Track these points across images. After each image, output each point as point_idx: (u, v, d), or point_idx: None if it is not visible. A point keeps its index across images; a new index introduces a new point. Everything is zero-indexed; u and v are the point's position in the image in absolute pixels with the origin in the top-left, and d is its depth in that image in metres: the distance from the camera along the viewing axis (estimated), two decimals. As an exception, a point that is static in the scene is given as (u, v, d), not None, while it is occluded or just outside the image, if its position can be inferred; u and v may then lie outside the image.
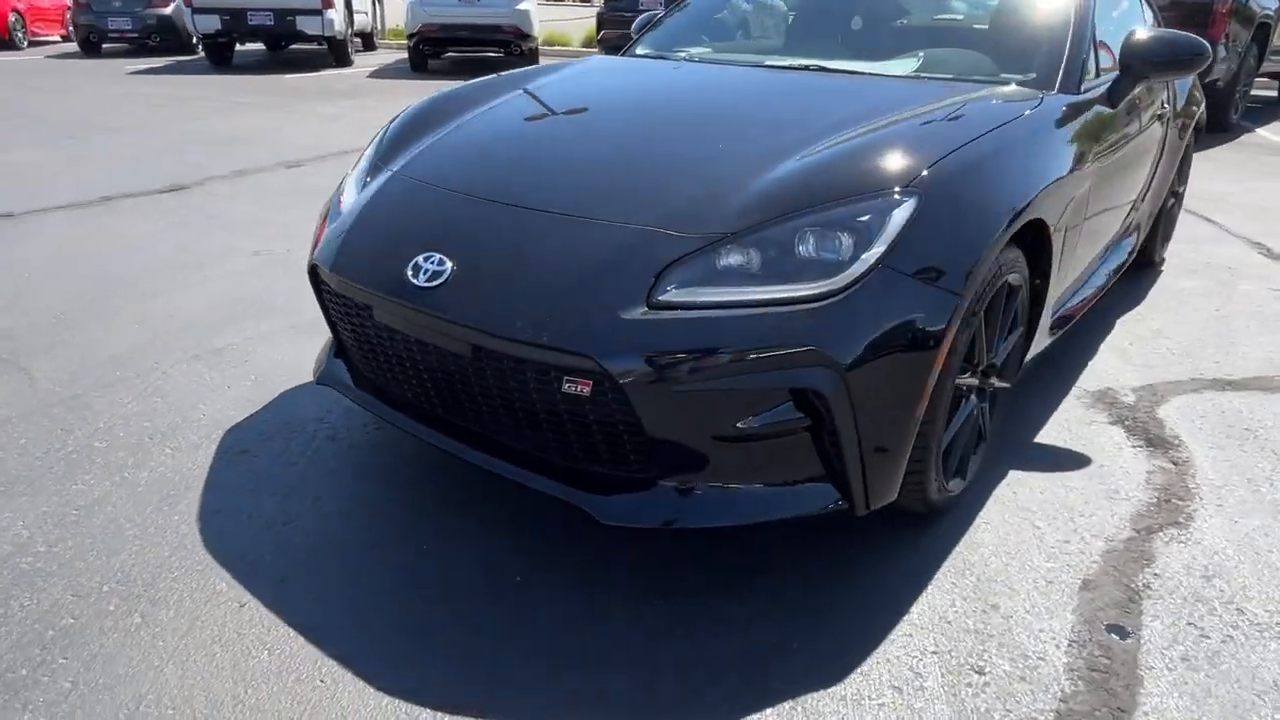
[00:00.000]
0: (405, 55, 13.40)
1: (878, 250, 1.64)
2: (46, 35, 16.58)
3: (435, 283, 1.77)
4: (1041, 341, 2.44)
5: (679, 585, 1.85)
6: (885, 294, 1.62)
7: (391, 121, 2.53)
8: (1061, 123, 2.25)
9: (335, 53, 12.89)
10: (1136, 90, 2.60)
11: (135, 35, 14.45)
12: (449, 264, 1.79)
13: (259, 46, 15.06)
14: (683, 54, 3.09)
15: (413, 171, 2.14)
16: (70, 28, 14.85)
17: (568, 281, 1.67)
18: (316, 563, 1.90)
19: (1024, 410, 2.65)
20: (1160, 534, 2.06)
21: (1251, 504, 2.19)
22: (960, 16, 2.96)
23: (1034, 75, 2.45)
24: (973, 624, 1.76)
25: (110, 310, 3.30)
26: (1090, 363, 3.01)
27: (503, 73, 2.84)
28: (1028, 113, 2.14)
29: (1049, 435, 2.51)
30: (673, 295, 1.62)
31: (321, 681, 1.58)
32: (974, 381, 2.02)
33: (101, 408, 2.54)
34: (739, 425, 1.62)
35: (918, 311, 1.65)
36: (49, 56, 14.17)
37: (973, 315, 1.79)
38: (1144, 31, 2.56)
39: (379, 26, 17.24)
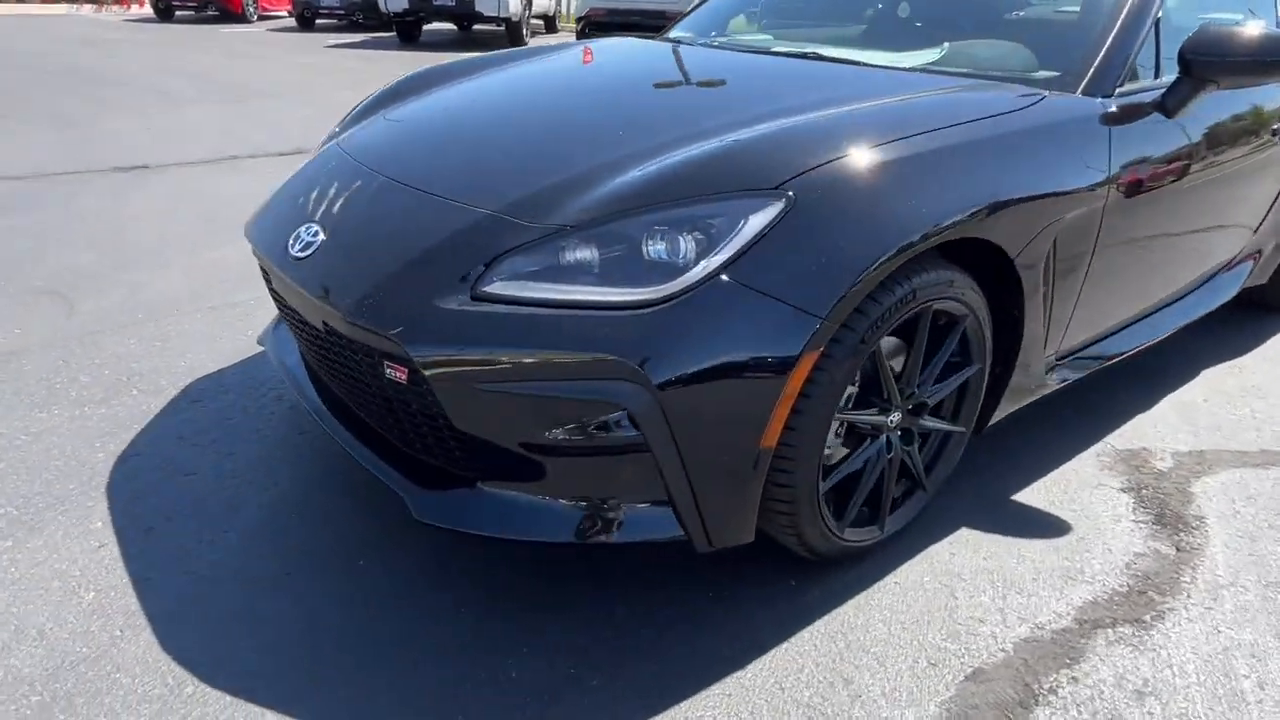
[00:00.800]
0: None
1: (720, 258, 1.44)
2: (275, 10, 18.35)
3: (305, 253, 1.75)
4: (1032, 385, 2.09)
5: (514, 598, 1.74)
6: (721, 308, 1.42)
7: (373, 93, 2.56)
8: (1066, 130, 1.89)
9: (510, 33, 13.41)
10: (1198, 98, 2.15)
11: (342, 12, 15.77)
12: (320, 236, 1.77)
13: (450, 26, 15.95)
14: (693, 38, 2.91)
15: (346, 144, 2.14)
16: (293, 3, 16.38)
17: (401, 263, 1.59)
18: (190, 516, 1.94)
19: (1019, 461, 2.29)
20: (1108, 631, 1.71)
21: (1254, 613, 1.77)
22: (1022, 8, 2.57)
23: (1058, 73, 2.09)
24: (808, 697, 1.53)
25: (171, 259, 3.57)
26: (1140, 416, 2.56)
27: (497, 51, 2.79)
28: (1005, 113, 1.81)
29: (1036, 494, 2.15)
30: (497, 287, 1.50)
31: (119, 633, 1.61)
32: (884, 419, 1.75)
33: (108, 346, 2.75)
34: (548, 435, 1.49)
35: (760, 332, 1.43)
36: (269, 30, 15.68)
37: (861, 344, 1.54)
38: (1220, 26, 2.12)
39: (564, 9, 17.76)
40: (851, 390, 1.71)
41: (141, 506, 1.97)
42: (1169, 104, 2.13)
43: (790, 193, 1.49)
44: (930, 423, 1.86)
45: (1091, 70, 2.06)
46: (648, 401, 1.41)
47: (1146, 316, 2.48)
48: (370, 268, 1.61)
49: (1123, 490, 2.19)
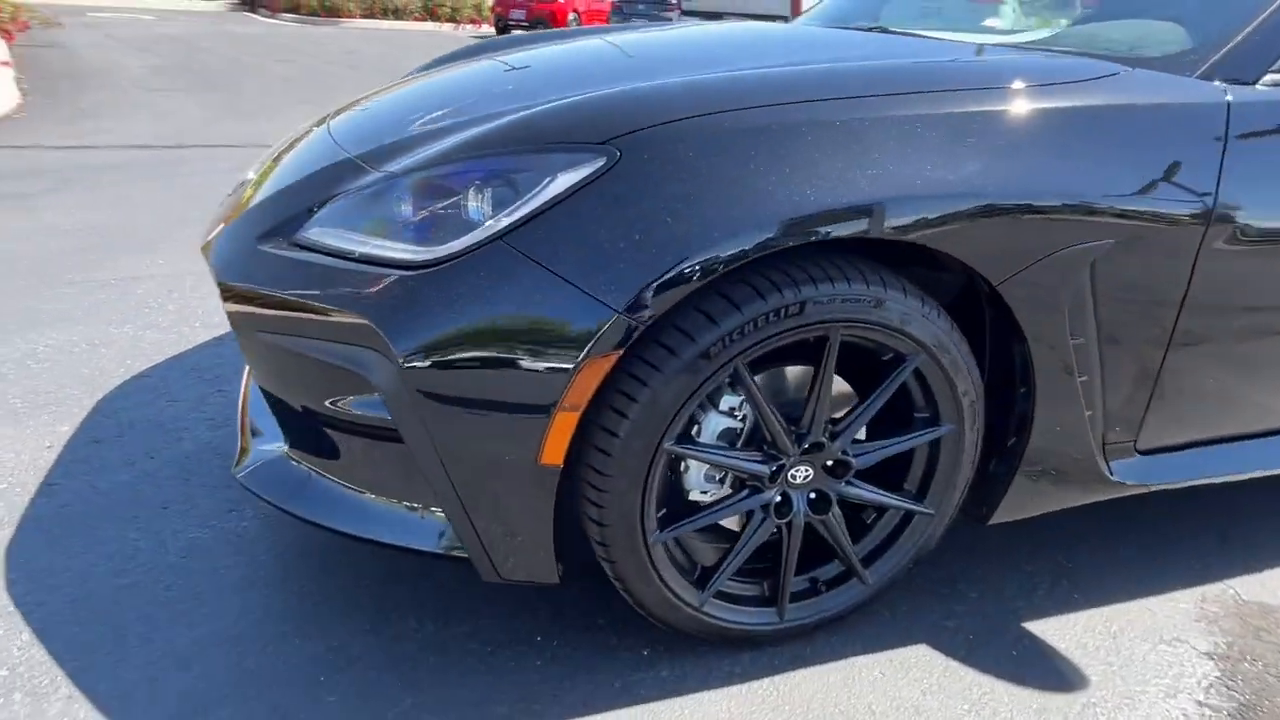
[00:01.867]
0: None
1: (507, 220, 1.16)
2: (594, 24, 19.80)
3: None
4: (1085, 478, 1.49)
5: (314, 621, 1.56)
6: (492, 280, 1.14)
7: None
8: (1139, 121, 1.32)
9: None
10: None
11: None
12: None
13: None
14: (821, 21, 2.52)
15: (332, 121, 2.08)
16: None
17: (261, 203, 1.49)
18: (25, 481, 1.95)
19: (1081, 577, 1.67)
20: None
21: None
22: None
23: (1179, 51, 1.48)
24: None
25: (198, 233, 3.58)
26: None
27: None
28: (1029, 87, 1.29)
29: (1070, 629, 1.54)
30: (314, 233, 1.34)
31: None
32: (764, 469, 1.32)
33: (89, 302, 2.77)
34: (327, 404, 1.30)
35: (535, 318, 1.13)
36: (585, 47, 16.90)
37: (704, 359, 1.17)
38: None
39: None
40: (737, 426, 1.33)
41: None
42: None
43: (616, 151, 1.17)
44: (861, 491, 1.40)
45: (1228, 46, 1.44)
46: (393, 379, 1.17)
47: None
48: (250, 210, 1.54)
49: (1209, 655, 1.50)
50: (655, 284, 1.11)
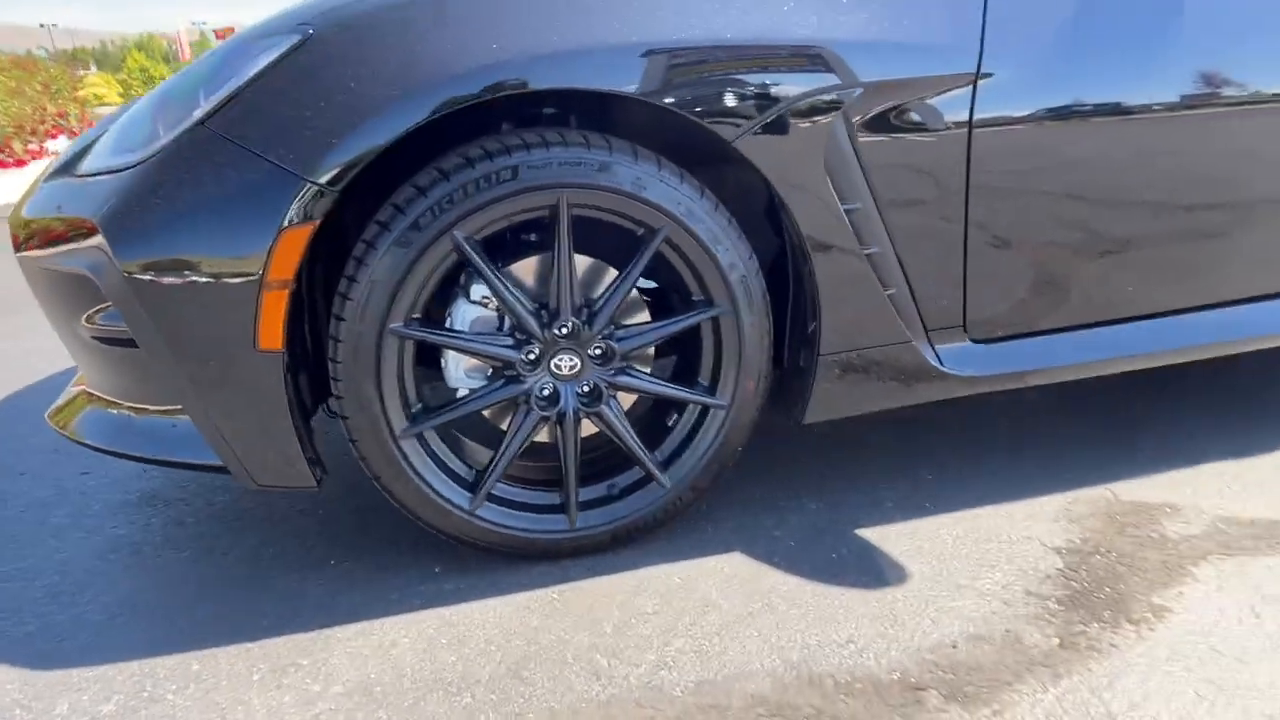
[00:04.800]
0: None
1: (207, 107, 1.16)
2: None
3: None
4: (905, 373, 1.38)
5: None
6: (193, 166, 1.13)
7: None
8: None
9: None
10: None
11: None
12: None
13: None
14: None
15: None
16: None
17: (63, 155, 1.54)
18: None
19: (952, 484, 1.54)
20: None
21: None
22: None
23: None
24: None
25: None
26: (1217, 458, 1.59)
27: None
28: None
29: (914, 534, 1.42)
30: (85, 164, 1.34)
31: None
32: (516, 355, 1.27)
33: None
34: (84, 322, 1.31)
35: (232, 196, 1.12)
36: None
37: (414, 230, 1.14)
38: None
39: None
40: (490, 314, 1.29)
41: None
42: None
43: (310, 29, 1.17)
44: (636, 380, 1.32)
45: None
46: (118, 279, 1.17)
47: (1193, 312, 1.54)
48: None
49: (1058, 550, 1.35)
50: (339, 149, 1.10)
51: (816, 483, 1.60)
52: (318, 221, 1.12)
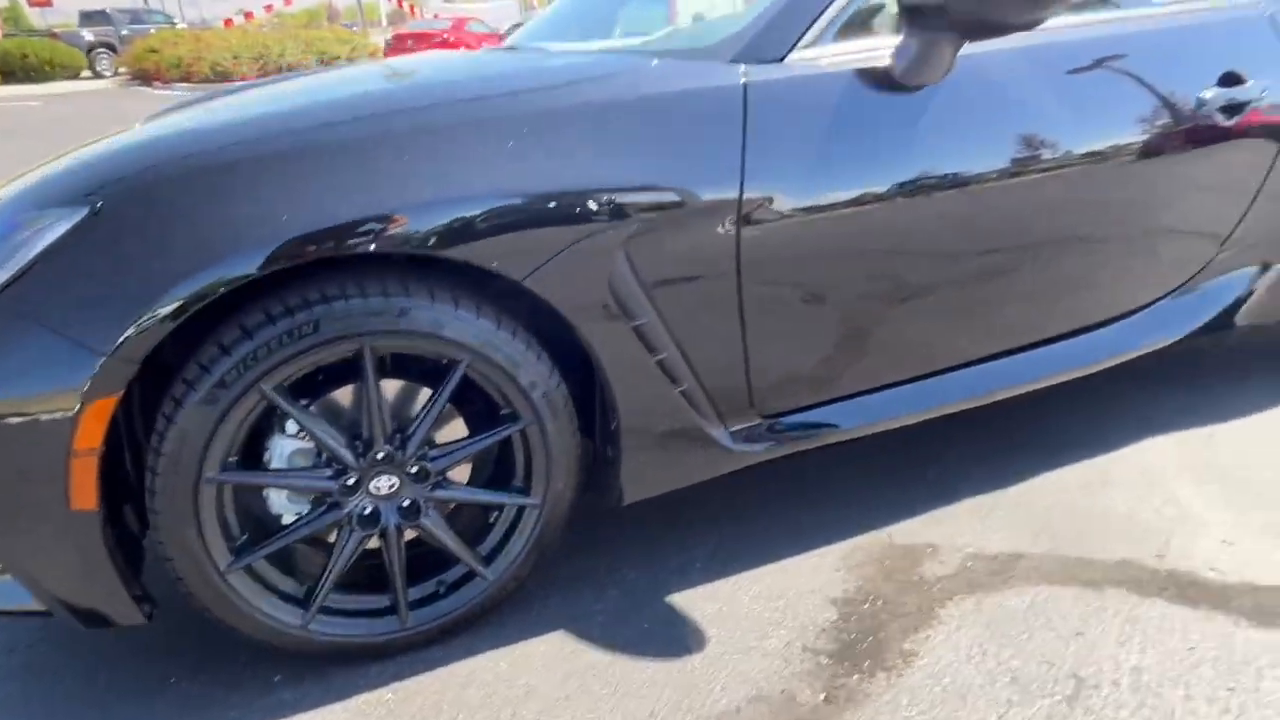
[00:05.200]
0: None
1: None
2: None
3: None
4: (703, 457, 1.57)
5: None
6: (-2, 338, 1.18)
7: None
8: (655, 104, 1.40)
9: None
10: (945, 55, 1.50)
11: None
12: None
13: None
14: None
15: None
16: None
17: None
18: None
19: (744, 541, 1.74)
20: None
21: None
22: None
23: (725, 37, 1.57)
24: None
25: None
26: (979, 493, 1.86)
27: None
28: (548, 87, 1.37)
29: (719, 599, 1.60)
30: None
31: None
32: (332, 485, 1.37)
33: None
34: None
35: (32, 370, 1.16)
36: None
37: (220, 388, 1.21)
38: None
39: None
40: (308, 446, 1.38)
41: None
42: (901, 67, 1.53)
43: (99, 202, 1.21)
44: (452, 492, 1.45)
45: (756, 28, 1.53)
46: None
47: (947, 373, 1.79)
48: None
49: (834, 602, 1.58)
50: (135, 324, 1.16)
51: (637, 550, 1.76)
52: (122, 391, 1.18)
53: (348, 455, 1.35)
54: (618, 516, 1.88)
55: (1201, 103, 1.83)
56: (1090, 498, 1.84)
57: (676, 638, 1.51)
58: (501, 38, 20.93)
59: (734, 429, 1.62)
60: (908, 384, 1.78)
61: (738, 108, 1.43)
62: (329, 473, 1.36)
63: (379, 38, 22.39)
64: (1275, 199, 2.00)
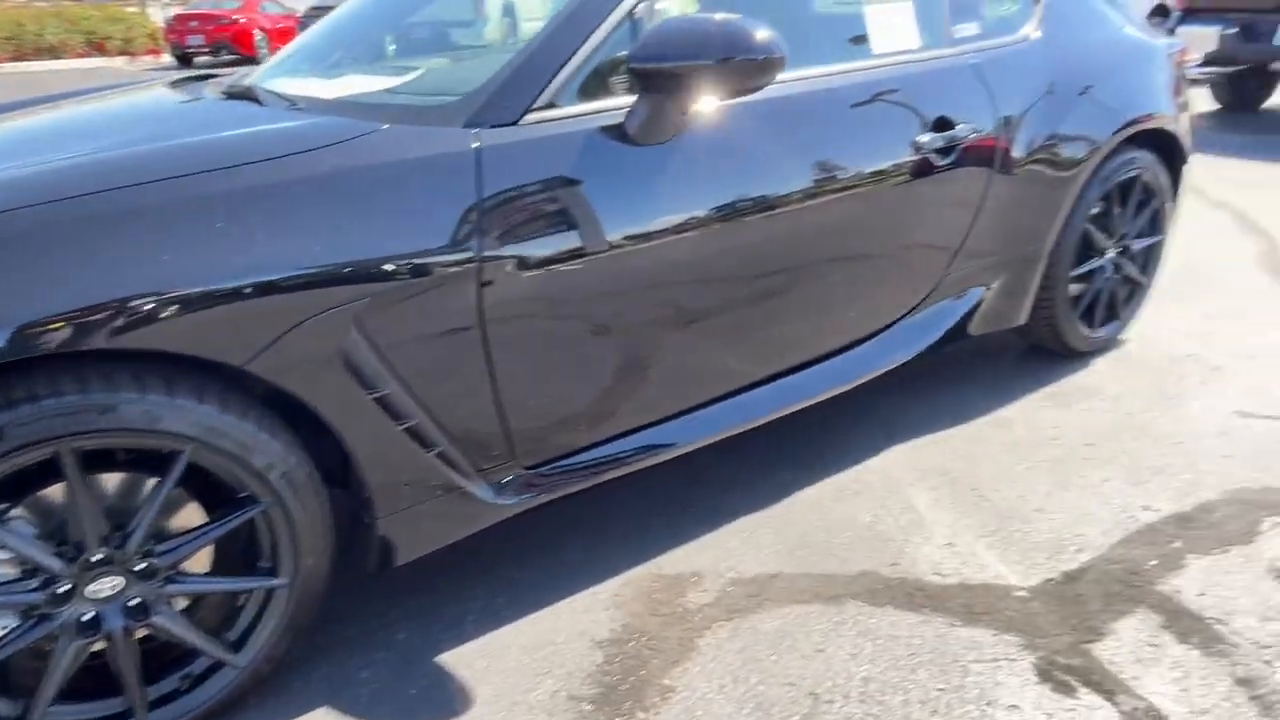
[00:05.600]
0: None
1: None
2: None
3: None
4: (463, 511, 1.57)
5: None
6: None
7: None
8: (382, 175, 1.38)
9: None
10: (670, 117, 1.59)
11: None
12: None
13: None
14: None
15: None
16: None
17: None
18: None
19: (526, 590, 1.76)
20: None
21: None
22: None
23: (457, 99, 1.57)
24: None
25: None
26: (744, 515, 1.99)
27: None
28: (265, 160, 1.32)
29: (489, 654, 1.62)
30: None
31: None
32: (32, 596, 1.26)
33: None
34: None
35: None
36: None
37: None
38: (685, 18, 1.56)
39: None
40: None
41: None
42: (633, 127, 1.59)
43: None
44: (187, 585, 1.38)
45: (490, 90, 1.54)
46: None
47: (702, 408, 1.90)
48: None
49: (603, 643, 1.64)
50: None
51: (410, 606, 1.74)
52: None
53: (55, 563, 1.25)
54: (391, 572, 1.85)
55: (919, 146, 2.02)
56: (841, 509, 2.01)
57: (443, 701, 1.51)
58: (299, 20, 19.35)
59: (497, 481, 1.64)
60: (674, 419, 1.86)
61: (470, 173, 1.43)
62: (34, 584, 1.25)
63: (160, 15, 20.42)
64: (992, 217, 2.25)
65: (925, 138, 2.03)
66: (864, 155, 1.94)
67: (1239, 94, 6.76)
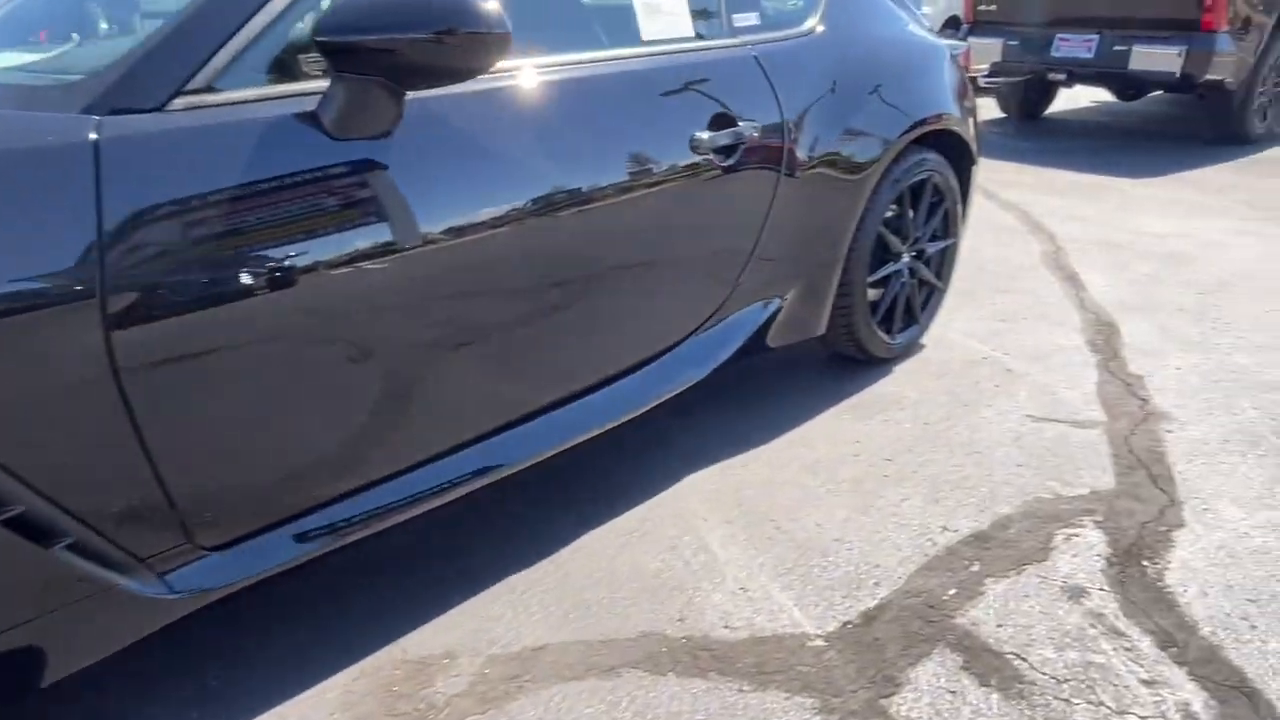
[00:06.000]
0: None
1: None
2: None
3: None
4: (130, 608, 1.20)
5: None
6: None
7: None
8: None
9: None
10: (395, 107, 1.30)
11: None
12: None
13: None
14: None
15: None
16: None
17: None
18: None
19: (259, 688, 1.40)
20: None
21: None
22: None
23: (89, 75, 1.21)
24: None
25: None
26: (495, 585, 1.71)
27: None
28: None
29: None
30: None
31: None
32: None
33: None
34: None
35: None
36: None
37: None
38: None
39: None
40: None
41: None
42: (329, 118, 1.28)
43: None
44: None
45: (126, 67, 1.18)
46: None
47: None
48: None
49: None
50: None
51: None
52: None
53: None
54: (79, 676, 1.45)
55: (698, 143, 1.82)
56: (627, 557, 1.77)
57: None
58: None
59: (169, 570, 1.27)
60: (414, 470, 1.55)
61: (86, 173, 1.07)
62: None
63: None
64: (783, 220, 2.08)
65: (705, 135, 1.82)
66: (635, 153, 1.71)
67: (1023, 102, 7.18)
